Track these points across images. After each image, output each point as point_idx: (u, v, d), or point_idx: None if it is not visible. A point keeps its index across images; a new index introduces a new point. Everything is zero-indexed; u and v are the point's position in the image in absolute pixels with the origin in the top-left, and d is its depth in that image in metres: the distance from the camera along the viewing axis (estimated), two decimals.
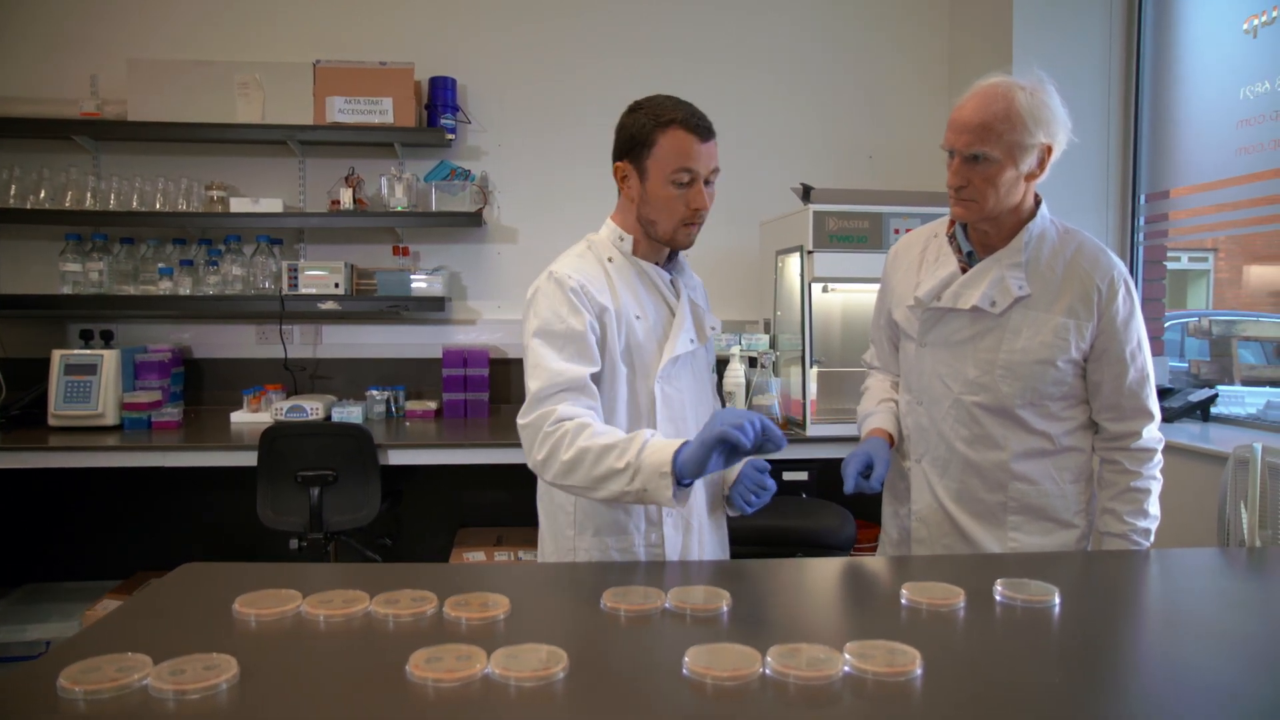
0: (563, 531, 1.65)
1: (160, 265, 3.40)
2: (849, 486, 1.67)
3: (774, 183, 3.57)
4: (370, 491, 2.88)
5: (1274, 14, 2.74)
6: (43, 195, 3.37)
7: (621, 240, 1.66)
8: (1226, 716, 0.98)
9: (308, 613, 1.20)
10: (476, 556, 3.21)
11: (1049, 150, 1.62)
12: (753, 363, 3.21)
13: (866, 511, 3.02)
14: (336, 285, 3.40)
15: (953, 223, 1.76)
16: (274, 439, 2.85)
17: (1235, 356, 3.20)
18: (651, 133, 1.56)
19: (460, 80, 3.63)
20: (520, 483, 1.84)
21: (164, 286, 3.38)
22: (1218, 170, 2.98)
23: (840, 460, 1.71)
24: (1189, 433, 2.76)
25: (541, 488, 1.69)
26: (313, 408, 3.16)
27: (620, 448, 1.41)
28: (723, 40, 3.80)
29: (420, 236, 3.70)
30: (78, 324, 3.50)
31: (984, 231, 1.70)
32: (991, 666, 1.09)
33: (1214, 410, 2.95)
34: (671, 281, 1.70)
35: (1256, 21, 2.81)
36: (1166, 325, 3.68)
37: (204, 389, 3.63)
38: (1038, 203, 1.71)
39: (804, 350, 3.06)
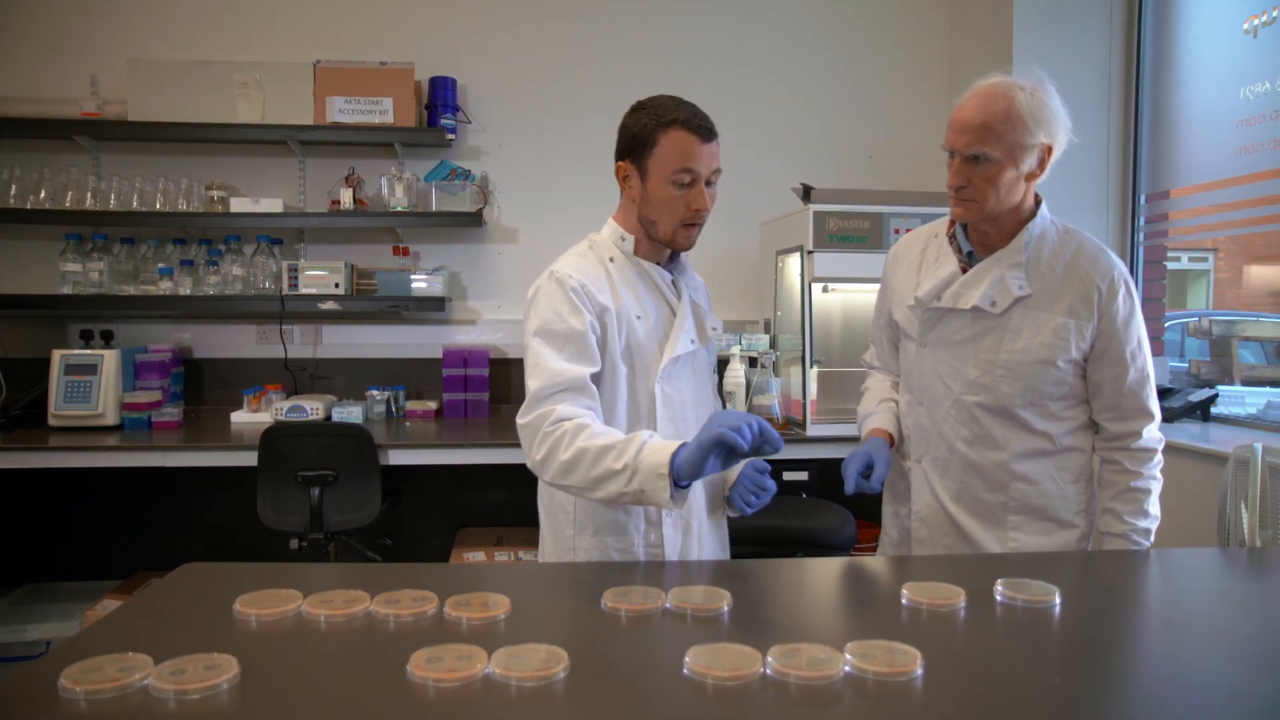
0: (563, 531, 1.65)
1: (160, 265, 3.41)
2: (849, 487, 1.67)
3: (774, 183, 3.57)
4: (370, 491, 2.88)
5: (1274, 14, 2.74)
6: (43, 195, 3.37)
7: (623, 240, 1.66)
8: (1227, 716, 0.98)
9: (308, 613, 1.20)
10: (477, 556, 3.21)
11: (1049, 150, 1.62)
12: (753, 363, 3.21)
13: (867, 511, 3.02)
14: (337, 285, 3.40)
15: (953, 223, 1.76)
16: (274, 439, 2.85)
17: (1235, 356, 3.20)
18: (653, 133, 1.56)
19: (460, 80, 3.63)
20: (520, 483, 1.84)
21: (164, 286, 3.38)
22: (1218, 170, 2.98)
23: (840, 460, 1.71)
24: (1189, 433, 2.76)
25: (542, 487, 1.69)
26: (313, 408, 3.16)
27: (618, 449, 1.41)
28: (723, 40, 3.80)
29: (420, 236, 3.70)
30: (78, 324, 3.50)
31: (984, 231, 1.70)
32: (992, 666, 1.09)
33: (1214, 410, 2.95)
34: (673, 282, 1.70)
35: (1256, 21, 2.81)
36: (1167, 325, 3.68)
37: (204, 389, 3.63)
38: (1038, 203, 1.71)
39: (804, 350, 3.06)
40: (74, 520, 3.50)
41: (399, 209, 3.48)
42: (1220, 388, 3.03)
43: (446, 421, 3.42)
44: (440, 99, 3.55)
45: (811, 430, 3.02)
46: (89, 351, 3.19)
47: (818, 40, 3.84)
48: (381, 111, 3.41)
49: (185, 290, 3.39)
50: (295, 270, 3.40)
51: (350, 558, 3.17)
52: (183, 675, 0.97)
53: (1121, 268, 1.68)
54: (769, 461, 1.59)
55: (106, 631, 1.17)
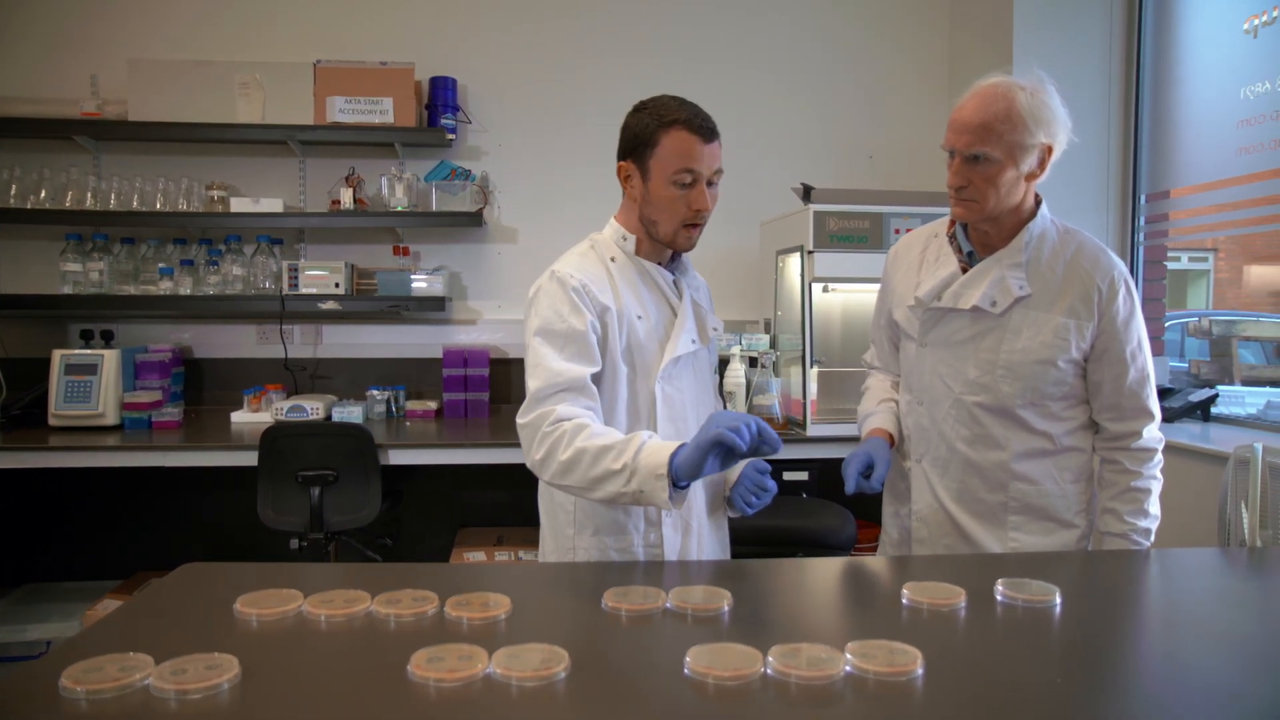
0: (562, 530, 1.65)
1: (161, 265, 3.41)
2: (850, 487, 1.67)
3: (774, 183, 3.57)
4: (371, 491, 2.88)
5: (1274, 14, 2.74)
6: (43, 195, 3.37)
7: (624, 240, 1.67)
8: (1227, 716, 0.98)
9: (309, 612, 1.20)
10: (477, 556, 3.21)
11: (1049, 150, 1.62)
12: (753, 363, 3.21)
13: (867, 511, 3.02)
14: (337, 285, 3.40)
15: (953, 223, 1.77)
16: (274, 439, 2.85)
17: (1235, 356, 3.20)
18: (654, 133, 1.56)
19: (460, 80, 3.63)
20: (520, 483, 1.84)
21: (164, 286, 3.38)
22: (1218, 170, 2.98)
23: (841, 460, 1.71)
24: (1189, 433, 2.76)
25: (543, 486, 1.69)
26: (313, 408, 3.16)
27: (617, 449, 1.41)
28: (723, 40, 3.80)
29: (420, 236, 3.70)
30: (78, 324, 3.50)
31: (984, 231, 1.70)
32: (993, 666, 1.09)
33: (1214, 410, 2.95)
34: (675, 282, 1.70)
35: (1257, 21, 2.81)
36: (1167, 325, 3.69)
37: (204, 389, 3.63)
38: (1038, 203, 1.71)
39: (804, 350, 3.06)
40: (74, 520, 3.51)
41: (399, 209, 3.48)
42: (1220, 388, 3.03)
43: (447, 421, 3.42)
44: (440, 99, 3.55)
45: (812, 430, 3.02)
46: (89, 351, 3.19)
47: (818, 40, 3.84)
48: (382, 111, 3.41)
49: (185, 290, 3.39)
50: (295, 270, 3.40)
51: (350, 558, 3.17)
52: (184, 675, 0.97)
53: (1122, 268, 1.68)
54: (769, 462, 1.59)
55: (107, 631, 1.17)
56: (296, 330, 3.64)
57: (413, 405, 3.48)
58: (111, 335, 3.46)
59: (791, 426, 3.10)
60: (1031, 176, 1.64)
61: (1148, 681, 1.11)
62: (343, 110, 3.39)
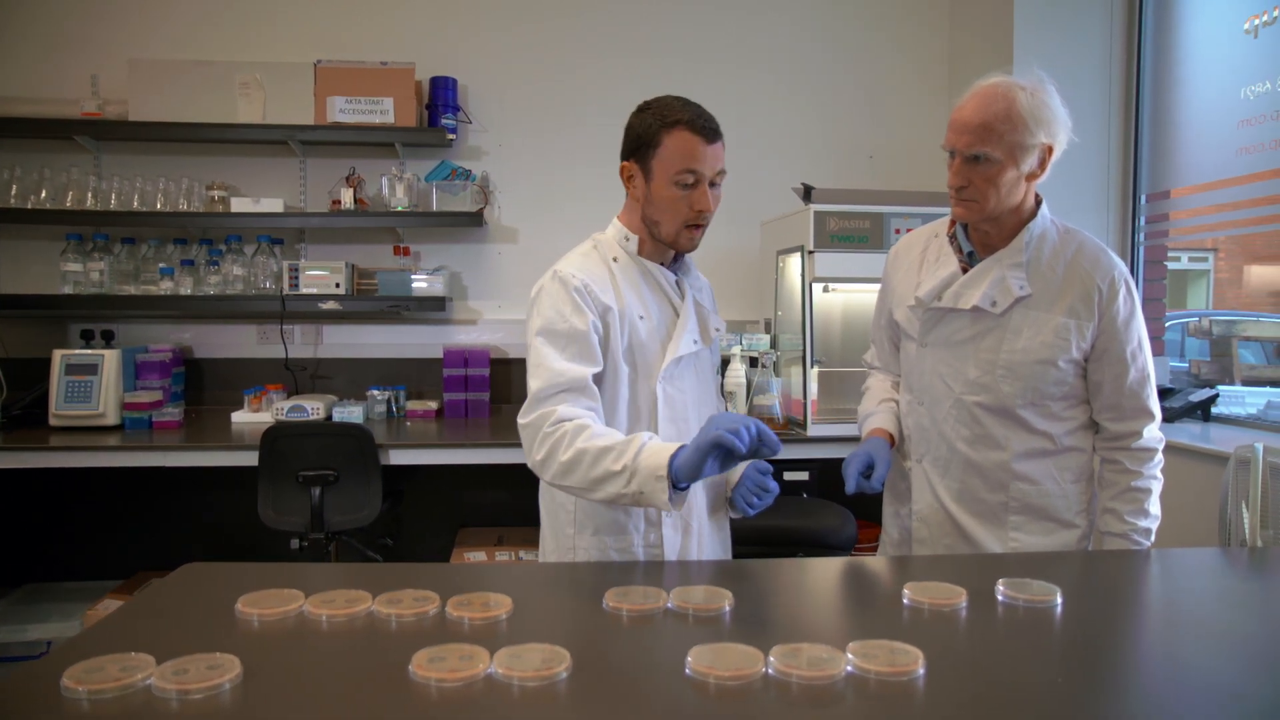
0: (563, 530, 1.65)
1: (161, 265, 3.41)
2: (850, 487, 1.67)
3: (774, 183, 3.57)
4: (371, 491, 2.88)
5: (1274, 14, 2.74)
6: (44, 195, 3.37)
7: (627, 240, 1.67)
8: (1227, 716, 0.98)
9: (310, 613, 1.20)
10: (477, 556, 3.21)
11: (1050, 150, 1.62)
12: (753, 363, 3.21)
13: (867, 511, 3.02)
14: (337, 285, 3.40)
15: (953, 223, 1.77)
16: (275, 439, 2.85)
17: (1235, 356, 3.20)
18: (657, 133, 1.56)
19: (461, 80, 3.63)
20: (521, 483, 1.84)
21: (165, 286, 3.38)
22: (1218, 170, 2.98)
23: (841, 460, 1.71)
24: (1190, 433, 2.76)
25: (543, 486, 1.69)
26: (314, 408, 3.16)
27: (618, 450, 1.41)
28: (723, 40, 3.80)
29: (421, 236, 3.70)
30: (79, 324, 3.50)
31: (985, 231, 1.70)
32: (994, 666, 1.09)
33: (1214, 410, 2.95)
34: (677, 282, 1.70)
35: (1257, 21, 2.81)
36: (1167, 325, 3.69)
37: (205, 389, 3.63)
38: (1038, 203, 1.71)
39: (805, 350, 3.07)
40: (74, 520, 3.51)
41: (400, 209, 3.48)
42: (1220, 388, 3.03)
43: (447, 421, 3.42)
44: (441, 99, 3.55)
45: (812, 430, 3.02)
46: (90, 351, 3.19)
47: (818, 40, 3.84)
48: (382, 111, 3.41)
49: (186, 290, 3.39)
50: (296, 270, 3.40)
51: (351, 558, 3.17)
52: (185, 675, 0.97)
53: (1122, 268, 1.68)
54: (770, 462, 1.59)
55: (108, 631, 1.17)
56: (297, 330, 3.64)
57: (413, 405, 3.48)
58: (112, 335, 3.46)
59: (792, 426, 3.11)
60: (1032, 176, 1.64)
61: (1148, 681, 1.11)
62: (343, 110, 3.39)
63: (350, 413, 3.20)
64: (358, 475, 2.87)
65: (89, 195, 3.39)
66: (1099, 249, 1.69)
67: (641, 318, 1.62)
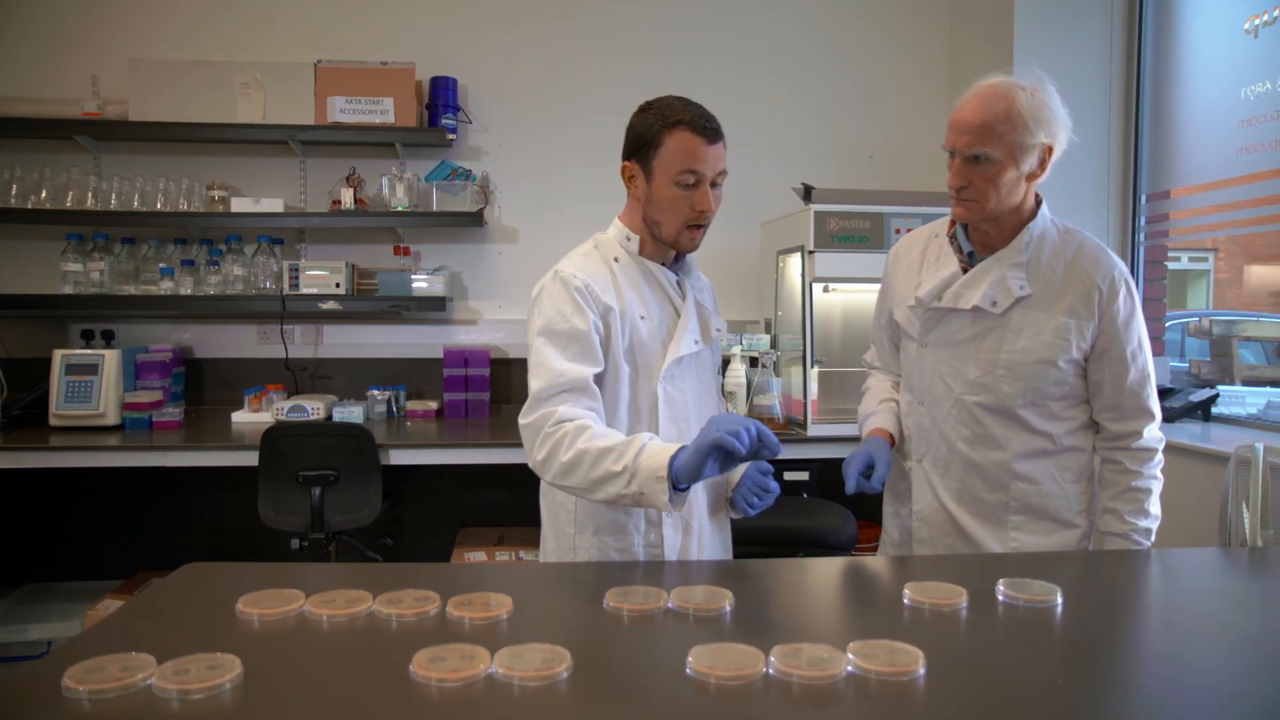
0: (563, 530, 1.65)
1: (161, 265, 3.41)
2: (850, 487, 1.67)
3: (774, 183, 3.57)
4: (371, 491, 2.88)
5: (1275, 14, 2.74)
6: (44, 195, 3.37)
7: (628, 240, 1.67)
8: (1228, 716, 0.98)
9: (311, 612, 1.20)
10: (478, 556, 3.21)
11: (1050, 150, 1.62)
12: (754, 363, 3.21)
13: (867, 511, 3.02)
14: (337, 285, 3.40)
15: (953, 223, 1.77)
16: (275, 439, 2.85)
17: (1236, 356, 3.20)
18: (658, 133, 1.56)
19: (461, 80, 3.63)
20: (521, 483, 1.84)
21: (165, 286, 3.38)
22: (1218, 170, 2.98)
23: (841, 460, 1.71)
24: (1190, 433, 2.76)
25: (544, 486, 1.69)
26: (314, 408, 3.16)
27: (618, 451, 1.41)
28: (723, 40, 3.80)
29: (421, 236, 3.70)
30: (79, 324, 3.50)
31: (985, 232, 1.70)
32: (994, 666, 1.09)
33: (1215, 410, 2.95)
34: (678, 282, 1.70)
35: (1257, 21, 2.81)
36: (1167, 325, 3.69)
37: (205, 389, 3.63)
38: (1038, 203, 1.71)
39: (805, 350, 3.07)
40: (74, 520, 3.51)
41: (400, 209, 3.48)
42: (1221, 388, 3.03)
43: (447, 421, 3.42)
44: (441, 99, 3.55)
45: (812, 430, 3.02)
46: (90, 351, 3.19)
47: (818, 40, 3.84)
48: (382, 111, 3.41)
49: (186, 290, 3.39)
50: (296, 270, 3.40)
51: (351, 558, 3.17)
52: (186, 675, 0.97)
53: (1122, 268, 1.68)
54: (771, 462, 1.59)
55: (109, 631, 1.17)
56: (297, 330, 3.64)
57: (413, 405, 3.48)
58: (112, 335, 3.46)
59: (792, 426, 3.11)
60: (1032, 176, 1.64)
61: (1149, 681, 1.11)
62: (343, 110, 3.39)
63: (350, 413, 3.20)
64: (358, 475, 2.87)
65: (89, 195, 3.39)
66: (1099, 249, 1.69)
67: (642, 318, 1.62)
